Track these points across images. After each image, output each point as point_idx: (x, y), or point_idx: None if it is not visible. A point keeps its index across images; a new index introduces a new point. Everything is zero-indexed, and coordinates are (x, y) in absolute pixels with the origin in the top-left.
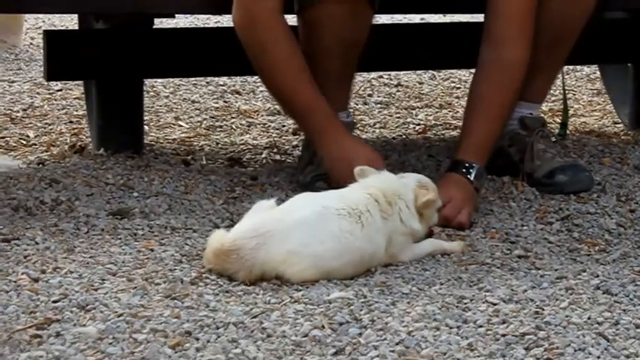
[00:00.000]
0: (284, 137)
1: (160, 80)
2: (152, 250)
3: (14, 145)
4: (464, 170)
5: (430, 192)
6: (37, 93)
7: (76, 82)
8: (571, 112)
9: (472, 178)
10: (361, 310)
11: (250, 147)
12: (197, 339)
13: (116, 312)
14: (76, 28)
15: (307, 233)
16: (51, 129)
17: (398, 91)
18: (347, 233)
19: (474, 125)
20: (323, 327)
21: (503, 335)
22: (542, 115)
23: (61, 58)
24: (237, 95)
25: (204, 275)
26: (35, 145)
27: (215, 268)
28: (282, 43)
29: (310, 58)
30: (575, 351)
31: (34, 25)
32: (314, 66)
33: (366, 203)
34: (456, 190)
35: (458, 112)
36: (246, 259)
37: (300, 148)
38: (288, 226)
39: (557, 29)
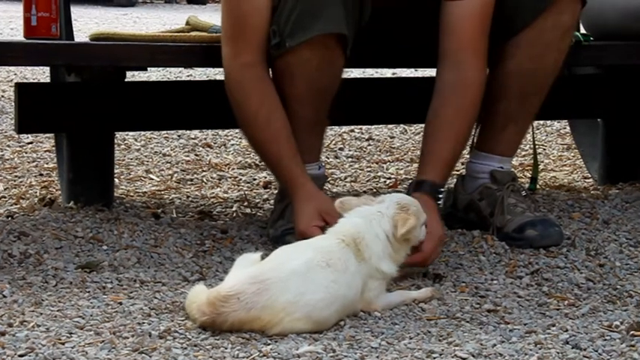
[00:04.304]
0: (255, 191)
1: (131, 133)
2: (120, 303)
3: None
4: (439, 195)
5: (410, 217)
6: (8, 145)
7: (47, 134)
8: (541, 166)
9: (440, 204)
10: None
11: (221, 200)
12: None
13: None
14: (48, 81)
15: (301, 284)
16: (21, 182)
17: (369, 145)
18: (332, 282)
19: (443, 147)
20: None
21: None
22: (513, 169)
23: (33, 111)
24: (208, 148)
25: (172, 329)
26: (5, 197)
27: (204, 320)
28: (252, 97)
29: (283, 106)
30: None
31: (5, 78)
32: (286, 113)
33: (339, 250)
34: (437, 224)
35: None
36: (246, 302)
37: (272, 201)
38: (285, 276)
39: (526, 82)
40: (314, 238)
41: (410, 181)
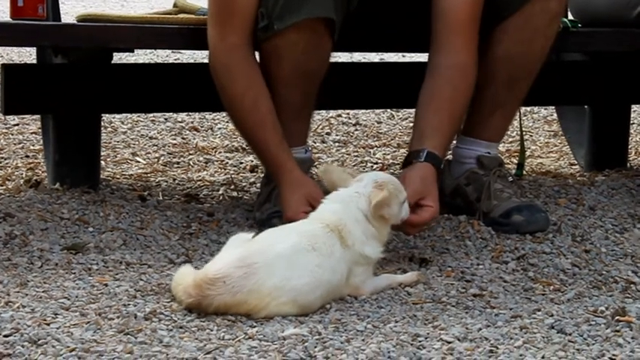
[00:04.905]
0: (241, 174)
1: (117, 116)
2: (106, 285)
3: None
4: (441, 167)
5: (383, 191)
6: None
7: (33, 116)
8: (528, 153)
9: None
10: (315, 347)
11: (207, 183)
12: None
13: (68, 347)
14: (35, 62)
15: (287, 268)
16: (7, 163)
17: (356, 129)
18: (317, 267)
19: (442, 123)
20: None
21: None
22: (499, 155)
23: (19, 92)
24: (195, 132)
25: (158, 311)
26: None
27: (189, 302)
28: (238, 81)
29: (269, 89)
30: None
31: None
32: (273, 97)
33: (324, 234)
34: (437, 198)
35: None
36: (232, 286)
37: (259, 185)
38: (271, 260)
39: (514, 67)
40: (299, 222)
41: (407, 154)
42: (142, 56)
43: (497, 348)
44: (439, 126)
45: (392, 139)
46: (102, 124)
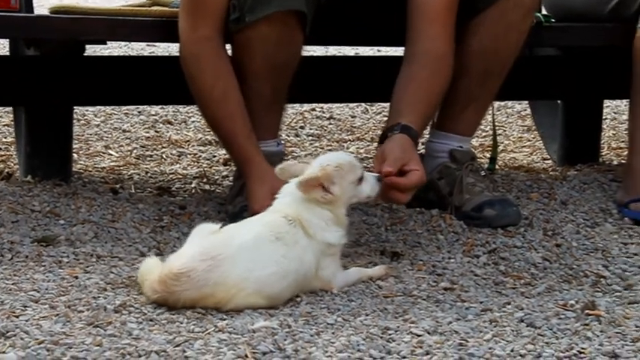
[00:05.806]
0: (214, 167)
1: (90, 108)
2: (76, 277)
3: None
4: (417, 139)
5: (313, 172)
6: None
7: (5, 108)
8: (501, 147)
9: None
10: (285, 339)
11: (180, 176)
12: None
13: (37, 339)
14: (7, 54)
15: (251, 259)
16: None
17: (330, 123)
18: (282, 257)
19: (420, 104)
20: (246, 356)
21: None
22: (472, 149)
23: None
24: (168, 125)
25: (128, 303)
26: None
27: (155, 298)
28: (208, 72)
29: (241, 82)
30: None
31: None
32: (245, 89)
33: (286, 224)
34: (417, 159)
35: None
36: (197, 280)
37: (231, 178)
38: (235, 252)
39: (488, 61)
40: (260, 214)
41: (383, 131)
42: (116, 49)
43: (467, 341)
44: (415, 105)
45: (366, 133)
46: (74, 116)
